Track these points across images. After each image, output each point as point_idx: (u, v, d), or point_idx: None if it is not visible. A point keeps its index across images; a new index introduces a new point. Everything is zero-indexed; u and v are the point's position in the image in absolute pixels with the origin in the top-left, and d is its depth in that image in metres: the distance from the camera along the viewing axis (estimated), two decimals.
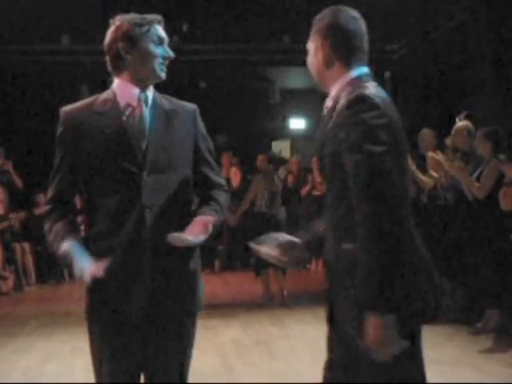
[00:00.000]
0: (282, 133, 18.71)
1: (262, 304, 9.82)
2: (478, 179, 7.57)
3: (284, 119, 18.87)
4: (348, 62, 2.94)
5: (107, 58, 3.31)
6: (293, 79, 16.83)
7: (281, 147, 18.05)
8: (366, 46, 2.99)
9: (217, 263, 13.52)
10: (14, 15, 13.25)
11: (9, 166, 12.57)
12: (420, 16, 13.30)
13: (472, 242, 7.75)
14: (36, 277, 12.43)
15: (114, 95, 3.27)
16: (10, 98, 14.77)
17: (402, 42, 14.62)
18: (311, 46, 3.02)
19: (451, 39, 12.53)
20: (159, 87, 3.36)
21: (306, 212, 13.67)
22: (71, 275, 12.88)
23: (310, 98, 17.81)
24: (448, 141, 8.50)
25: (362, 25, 2.99)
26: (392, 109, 2.83)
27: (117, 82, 3.30)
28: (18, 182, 12.61)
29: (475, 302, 7.97)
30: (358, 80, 2.90)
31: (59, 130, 3.21)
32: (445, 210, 8.37)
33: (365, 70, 2.96)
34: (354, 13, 2.99)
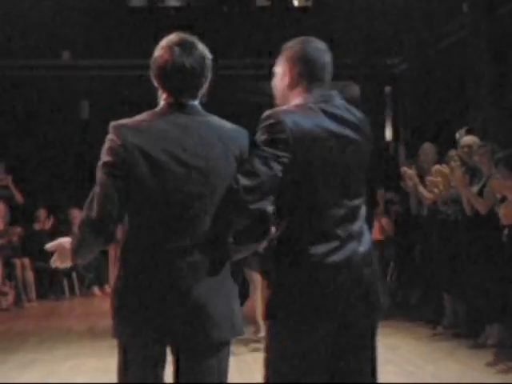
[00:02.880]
0: None
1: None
2: (479, 193, 7.56)
3: None
4: (307, 88, 3.26)
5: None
6: None
7: None
8: (327, 75, 3.31)
9: None
10: (14, 31, 13.29)
11: (9, 181, 12.56)
12: (421, 31, 13.33)
13: (472, 256, 7.74)
14: (36, 292, 12.38)
15: None
16: (10, 113, 14.78)
17: (403, 56, 14.64)
18: (279, 69, 3.35)
19: (451, 54, 12.55)
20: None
21: None
22: (72, 291, 12.87)
23: None
24: (453, 153, 8.44)
25: (326, 56, 3.31)
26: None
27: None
28: (19, 197, 12.59)
29: (476, 316, 7.95)
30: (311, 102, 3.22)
31: None
32: (445, 225, 8.36)
33: (316, 93, 3.25)
34: (321, 45, 3.33)
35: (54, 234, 12.90)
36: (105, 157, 2.98)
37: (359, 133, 3.24)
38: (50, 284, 12.68)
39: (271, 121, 3.09)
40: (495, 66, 11.08)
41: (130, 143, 2.95)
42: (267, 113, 3.14)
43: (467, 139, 8.46)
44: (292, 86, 3.29)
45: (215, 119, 3.18)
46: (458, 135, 8.82)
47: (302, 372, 3.10)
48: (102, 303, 11.51)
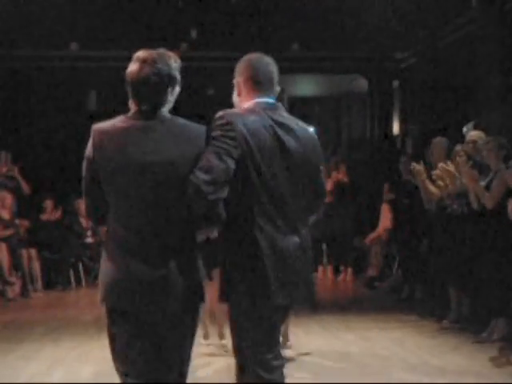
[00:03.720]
0: None
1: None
2: (486, 188, 7.55)
3: None
4: (252, 94, 3.73)
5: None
6: (302, 87, 16.83)
7: None
8: (268, 83, 3.76)
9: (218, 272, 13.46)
10: (22, 21, 13.29)
11: (16, 172, 12.56)
12: (429, 25, 13.29)
13: (479, 251, 7.74)
14: (42, 283, 12.39)
15: None
16: (18, 103, 14.79)
17: (411, 50, 14.61)
18: (235, 80, 3.81)
19: (460, 48, 12.52)
20: None
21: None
22: (78, 281, 12.89)
23: (319, 106, 17.87)
24: (459, 148, 8.40)
25: (269, 66, 3.80)
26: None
27: None
28: (26, 188, 12.59)
29: (481, 311, 7.96)
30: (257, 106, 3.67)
31: None
32: (451, 219, 8.35)
33: (263, 100, 3.72)
34: (266, 58, 3.83)
35: (60, 224, 13.00)
36: (85, 159, 3.49)
37: (301, 143, 3.69)
38: (56, 274, 12.69)
39: (223, 121, 3.49)
40: (504, 60, 11.06)
41: (99, 146, 3.40)
42: (220, 113, 3.55)
43: (473, 134, 8.44)
44: (240, 93, 3.80)
45: (176, 122, 3.50)
46: (465, 129, 8.80)
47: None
48: None
